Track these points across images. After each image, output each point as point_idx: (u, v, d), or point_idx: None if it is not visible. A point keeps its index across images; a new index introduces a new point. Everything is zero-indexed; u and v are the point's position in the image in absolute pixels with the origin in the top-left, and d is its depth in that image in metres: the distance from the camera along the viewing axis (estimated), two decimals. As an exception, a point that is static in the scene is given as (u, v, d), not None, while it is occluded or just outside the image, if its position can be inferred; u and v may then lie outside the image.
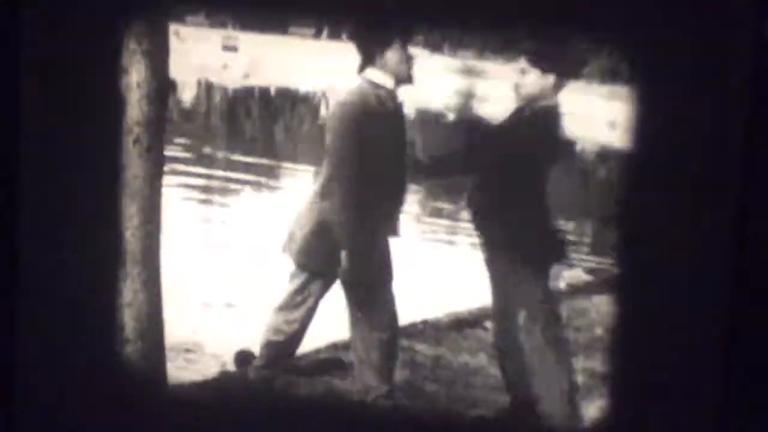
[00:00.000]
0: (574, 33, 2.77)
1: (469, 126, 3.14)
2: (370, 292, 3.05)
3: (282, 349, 3.19)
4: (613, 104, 2.71)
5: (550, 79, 2.92)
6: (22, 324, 2.73)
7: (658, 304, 2.55)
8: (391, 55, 2.96)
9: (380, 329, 3.05)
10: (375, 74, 2.99)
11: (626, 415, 2.63)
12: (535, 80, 2.91)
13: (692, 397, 2.56)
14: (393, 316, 3.08)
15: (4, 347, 2.74)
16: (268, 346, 3.20)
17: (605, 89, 3.59)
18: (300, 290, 3.14)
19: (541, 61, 2.90)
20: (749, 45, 2.43)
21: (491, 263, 3.00)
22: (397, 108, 3.02)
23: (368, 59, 2.99)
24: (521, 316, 2.94)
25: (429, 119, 3.52)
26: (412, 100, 3.13)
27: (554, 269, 3.04)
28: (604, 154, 4.11)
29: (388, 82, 2.99)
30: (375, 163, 2.98)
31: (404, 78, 2.99)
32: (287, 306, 3.16)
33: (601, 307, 3.67)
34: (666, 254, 2.53)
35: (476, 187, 3.02)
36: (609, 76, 3.57)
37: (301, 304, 3.15)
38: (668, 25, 2.44)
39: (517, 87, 2.95)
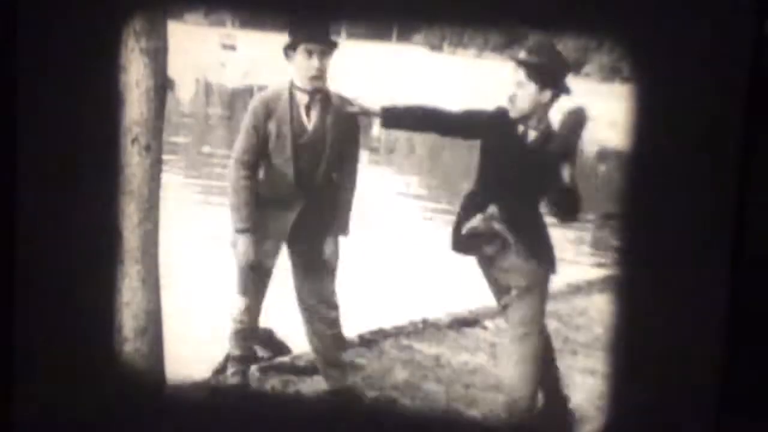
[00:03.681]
0: (573, 31, 2.76)
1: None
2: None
3: None
4: (613, 103, 2.70)
5: (547, 94, 2.80)
6: (20, 323, 2.73)
7: (658, 302, 2.55)
8: (297, 57, 2.92)
9: None
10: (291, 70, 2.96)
11: (626, 414, 2.63)
12: (532, 94, 2.79)
13: (692, 397, 2.55)
14: None
15: (3, 346, 2.74)
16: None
17: (605, 87, 3.59)
18: None
19: (540, 75, 2.77)
20: (749, 44, 2.43)
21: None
22: (321, 104, 2.96)
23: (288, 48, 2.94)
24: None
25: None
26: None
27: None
28: (604, 153, 4.11)
29: (298, 80, 2.96)
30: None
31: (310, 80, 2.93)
32: None
33: (601, 305, 3.66)
34: (665, 252, 2.53)
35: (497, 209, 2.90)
36: (609, 74, 3.56)
37: None
38: (668, 24, 2.44)
39: (512, 99, 2.83)
